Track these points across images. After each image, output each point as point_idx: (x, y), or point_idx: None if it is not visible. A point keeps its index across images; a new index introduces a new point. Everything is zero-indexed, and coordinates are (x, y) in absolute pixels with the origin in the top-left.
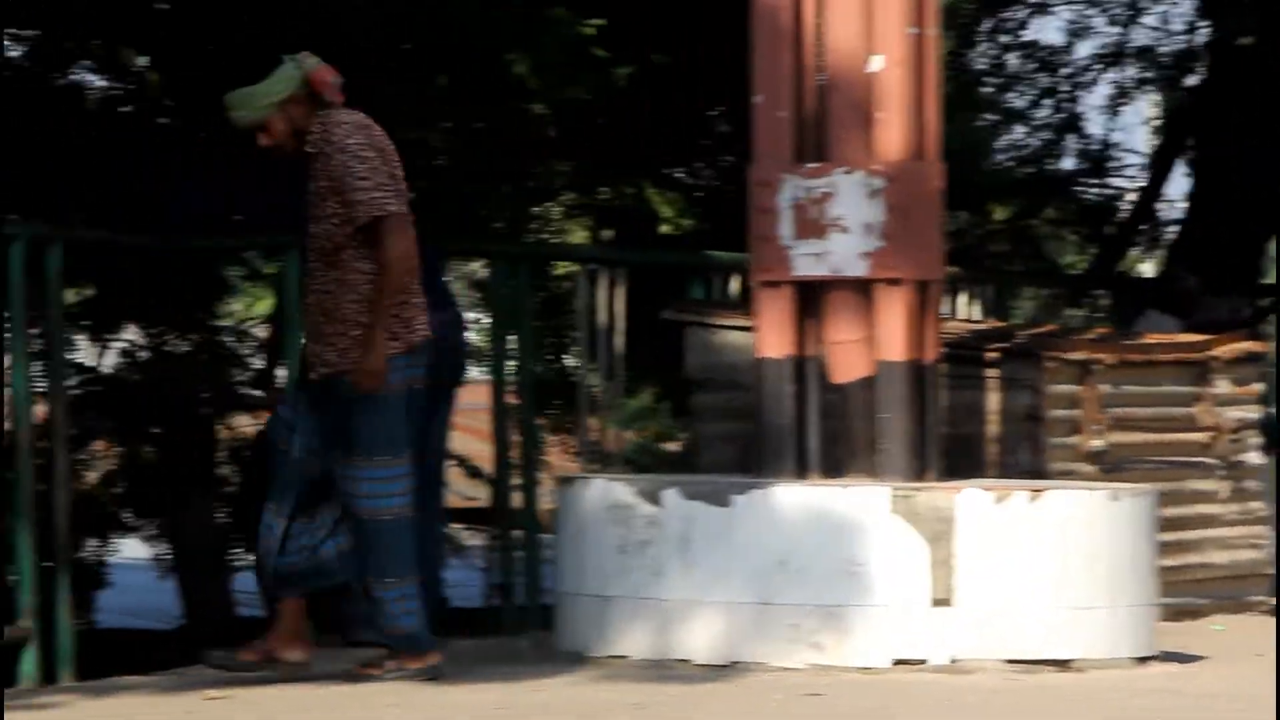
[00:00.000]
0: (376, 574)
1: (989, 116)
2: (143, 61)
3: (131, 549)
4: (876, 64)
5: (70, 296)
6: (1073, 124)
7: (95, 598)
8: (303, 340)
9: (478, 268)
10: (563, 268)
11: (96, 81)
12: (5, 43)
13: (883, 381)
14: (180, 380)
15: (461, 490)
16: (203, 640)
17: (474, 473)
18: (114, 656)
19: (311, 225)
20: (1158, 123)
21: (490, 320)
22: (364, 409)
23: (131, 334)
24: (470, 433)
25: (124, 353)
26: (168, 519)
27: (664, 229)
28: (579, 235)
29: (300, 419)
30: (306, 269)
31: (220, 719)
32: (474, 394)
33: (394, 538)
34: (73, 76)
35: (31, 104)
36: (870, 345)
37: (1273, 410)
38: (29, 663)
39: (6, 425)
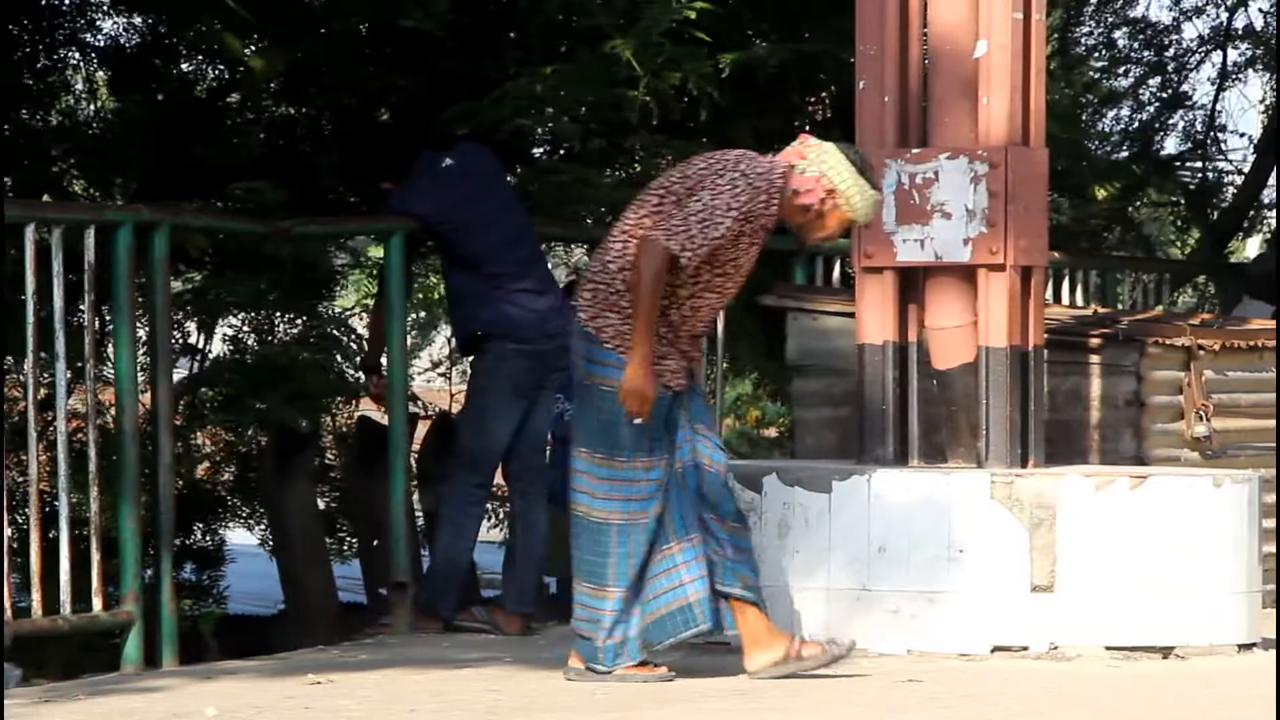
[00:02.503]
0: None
1: (1091, 96)
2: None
3: (243, 535)
4: (981, 49)
5: (178, 285)
6: (1179, 103)
7: (220, 582)
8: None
9: (580, 254)
10: None
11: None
12: (117, 29)
13: (985, 367)
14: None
15: None
16: (304, 625)
17: None
18: (229, 641)
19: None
20: (1266, 103)
21: None
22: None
23: (238, 321)
24: None
25: (231, 339)
26: (270, 505)
27: None
28: None
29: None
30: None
31: (320, 705)
32: None
33: None
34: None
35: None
36: (973, 331)
37: None
38: (132, 646)
39: (111, 412)
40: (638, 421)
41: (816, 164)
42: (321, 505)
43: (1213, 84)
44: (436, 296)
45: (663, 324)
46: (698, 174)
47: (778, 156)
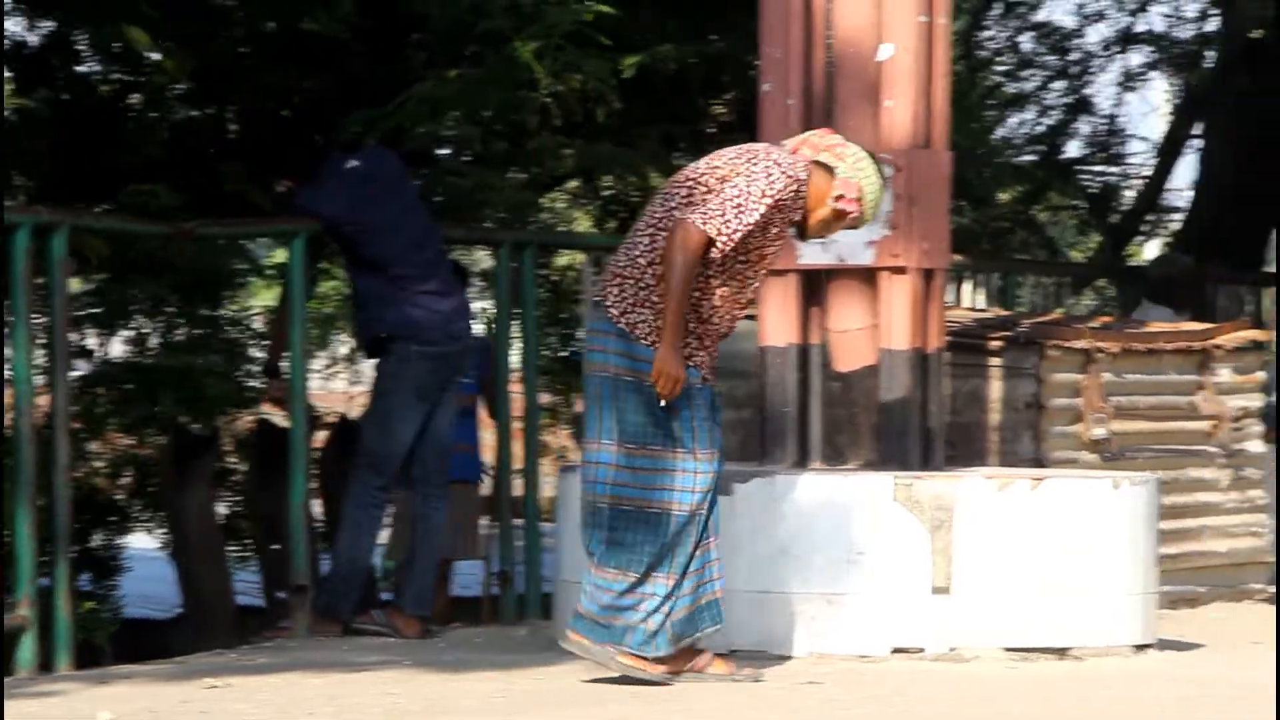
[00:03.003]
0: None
1: (994, 101)
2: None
3: (145, 539)
4: (885, 51)
5: (78, 284)
6: (1082, 107)
7: (118, 586)
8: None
9: (483, 256)
10: (567, 256)
11: (108, 73)
12: (20, 30)
13: (886, 370)
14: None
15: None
16: (202, 629)
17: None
18: (126, 645)
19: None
20: (1168, 108)
21: (494, 308)
22: None
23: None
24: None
25: (132, 341)
26: (170, 508)
27: None
28: (584, 223)
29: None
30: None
31: (218, 709)
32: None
33: None
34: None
35: (45, 90)
36: (874, 333)
37: (1274, 399)
38: (27, 650)
39: (8, 414)
40: (663, 403)
41: (854, 171)
42: (223, 509)
43: (1117, 85)
44: (328, 310)
45: (694, 318)
46: (729, 163)
47: (793, 148)
